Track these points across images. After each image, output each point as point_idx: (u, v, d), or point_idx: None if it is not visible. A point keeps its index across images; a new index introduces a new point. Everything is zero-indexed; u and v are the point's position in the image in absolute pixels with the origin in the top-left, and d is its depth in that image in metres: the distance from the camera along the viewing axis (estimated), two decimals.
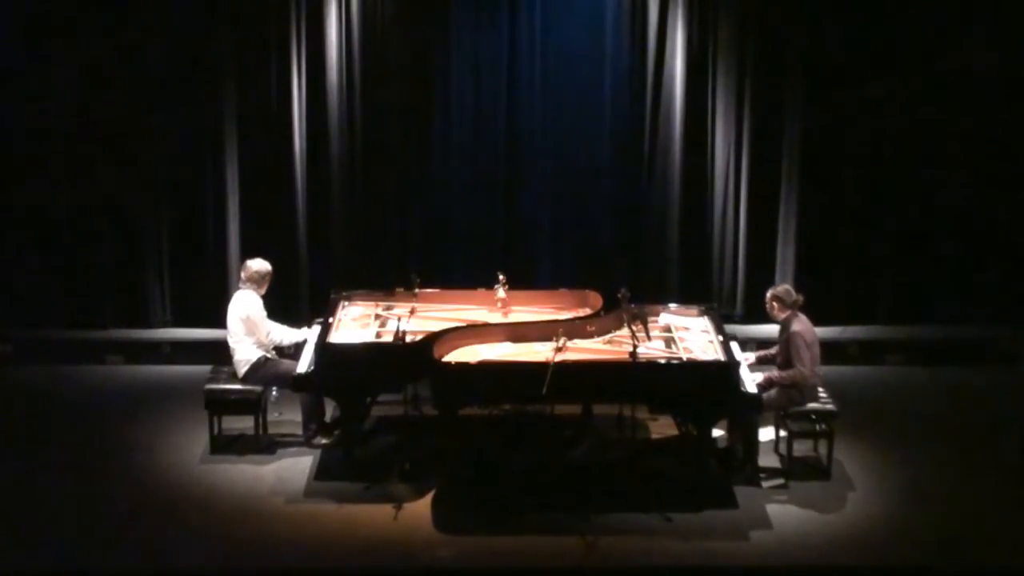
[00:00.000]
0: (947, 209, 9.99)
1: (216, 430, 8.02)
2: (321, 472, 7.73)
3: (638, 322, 7.57)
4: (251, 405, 7.95)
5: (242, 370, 7.99)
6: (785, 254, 9.98)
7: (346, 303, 8.41)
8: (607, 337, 7.84)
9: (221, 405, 7.96)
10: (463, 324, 7.91)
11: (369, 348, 7.71)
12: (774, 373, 7.64)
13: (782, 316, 7.66)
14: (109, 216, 9.88)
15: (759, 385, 7.52)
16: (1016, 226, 9.99)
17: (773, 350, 7.91)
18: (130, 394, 9.13)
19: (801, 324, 7.59)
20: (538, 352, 7.48)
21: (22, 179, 9.81)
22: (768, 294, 7.77)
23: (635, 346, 7.26)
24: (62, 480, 7.62)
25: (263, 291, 8.12)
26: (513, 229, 10.13)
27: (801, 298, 7.68)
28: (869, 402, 8.95)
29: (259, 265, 8.10)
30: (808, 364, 7.50)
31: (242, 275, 8.13)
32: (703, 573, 6.68)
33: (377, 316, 8.25)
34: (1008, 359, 9.74)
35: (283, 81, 9.72)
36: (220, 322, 8.56)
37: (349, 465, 7.66)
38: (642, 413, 8.06)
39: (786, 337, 7.59)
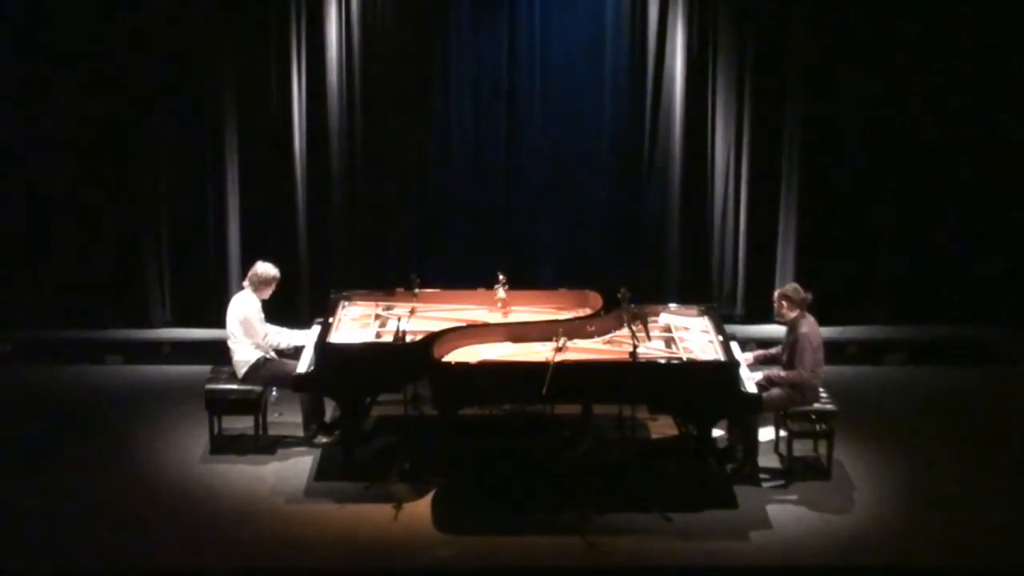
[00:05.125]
0: (947, 208, 9.98)
1: (216, 430, 8.02)
2: (321, 472, 7.73)
3: (638, 322, 7.56)
4: (251, 405, 7.95)
5: (241, 371, 7.99)
6: (785, 254, 9.98)
7: (346, 303, 8.41)
8: (607, 337, 7.83)
9: (221, 405, 7.96)
10: (463, 324, 7.91)
11: (369, 348, 7.71)
12: (774, 372, 7.64)
13: (791, 315, 7.63)
14: (109, 216, 9.88)
15: (758, 384, 7.52)
16: (1017, 225, 9.99)
17: (774, 350, 7.90)
18: (130, 394, 9.13)
19: (809, 326, 7.58)
20: (538, 352, 7.48)
21: (21, 178, 9.82)
22: (776, 293, 7.76)
23: (635, 346, 7.25)
24: (62, 480, 7.61)
25: (265, 295, 8.12)
26: (513, 229, 10.13)
27: (810, 296, 7.66)
28: (869, 402, 8.95)
29: (263, 268, 8.10)
30: (808, 367, 7.50)
31: (248, 275, 8.15)
32: (703, 573, 6.68)
33: (377, 316, 8.25)
34: (1008, 359, 9.73)
35: (283, 81, 9.73)
36: (220, 322, 8.57)
37: (349, 465, 7.65)
38: (642, 413, 8.05)
39: (794, 338, 7.58)
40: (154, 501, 7.34)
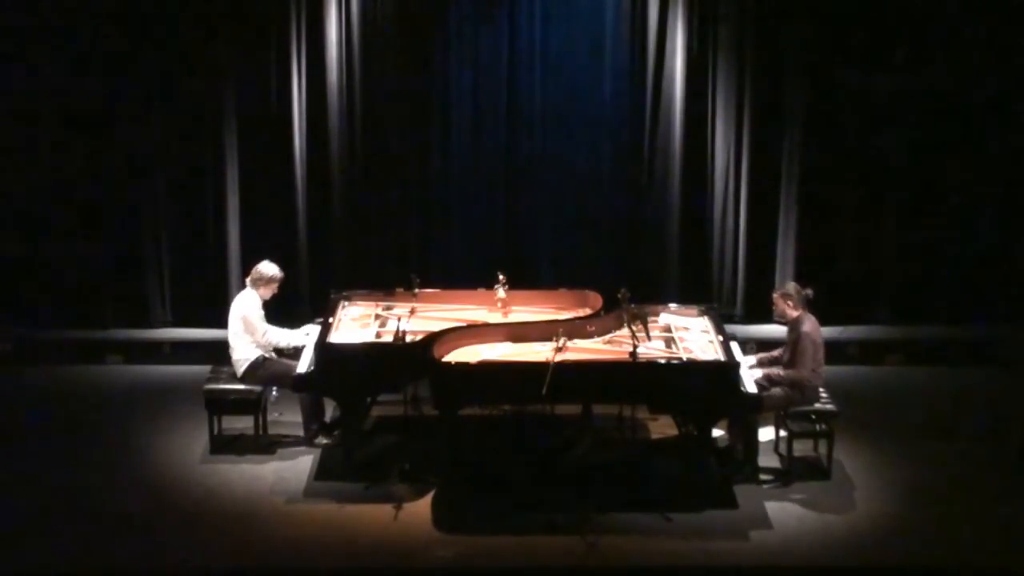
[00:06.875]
0: (947, 209, 9.98)
1: (216, 430, 8.02)
2: (321, 472, 7.73)
3: (638, 322, 7.56)
4: (251, 405, 7.95)
5: (241, 369, 7.99)
6: (785, 254, 9.98)
7: (346, 303, 8.41)
8: (607, 337, 7.83)
9: (221, 405, 7.96)
10: (463, 324, 7.91)
11: (369, 348, 7.71)
12: (774, 371, 7.64)
13: (793, 314, 7.62)
14: (109, 216, 9.88)
15: (758, 383, 7.51)
16: (1016, 226, 9.99)
17: (775, 352, 7.89)
18: (130, 394, 9.13)
19: (811, 324, 7.57)
20: (538, 352, 7.48)
21: (21, 178, 9.82)
22: (775, 294, 7.74)
23: (635, 346, 7.25)
24: (62, 480, 7.61)
25: (266, 295, 8.11)
26: (513, 229, 10.13)
27: (810, 293, 7.66)
28: (869, 402, 8.95)
29: (263, 267, 8.11)
30: (809, 367, 7.50)
31: (251, 272, 8.15)
32: (703, 573, 6.68)
33: (377, 316, 8.25)
34: (1008, 359, 9.73)
35: (283, 81, 9.73)
36: (220, 322, 8.57)
37: (349, 465, 7.65)
38: (642, 413, 8.06)
39: (796, 337, 7.57)
40: (154, 501, 7.34)
